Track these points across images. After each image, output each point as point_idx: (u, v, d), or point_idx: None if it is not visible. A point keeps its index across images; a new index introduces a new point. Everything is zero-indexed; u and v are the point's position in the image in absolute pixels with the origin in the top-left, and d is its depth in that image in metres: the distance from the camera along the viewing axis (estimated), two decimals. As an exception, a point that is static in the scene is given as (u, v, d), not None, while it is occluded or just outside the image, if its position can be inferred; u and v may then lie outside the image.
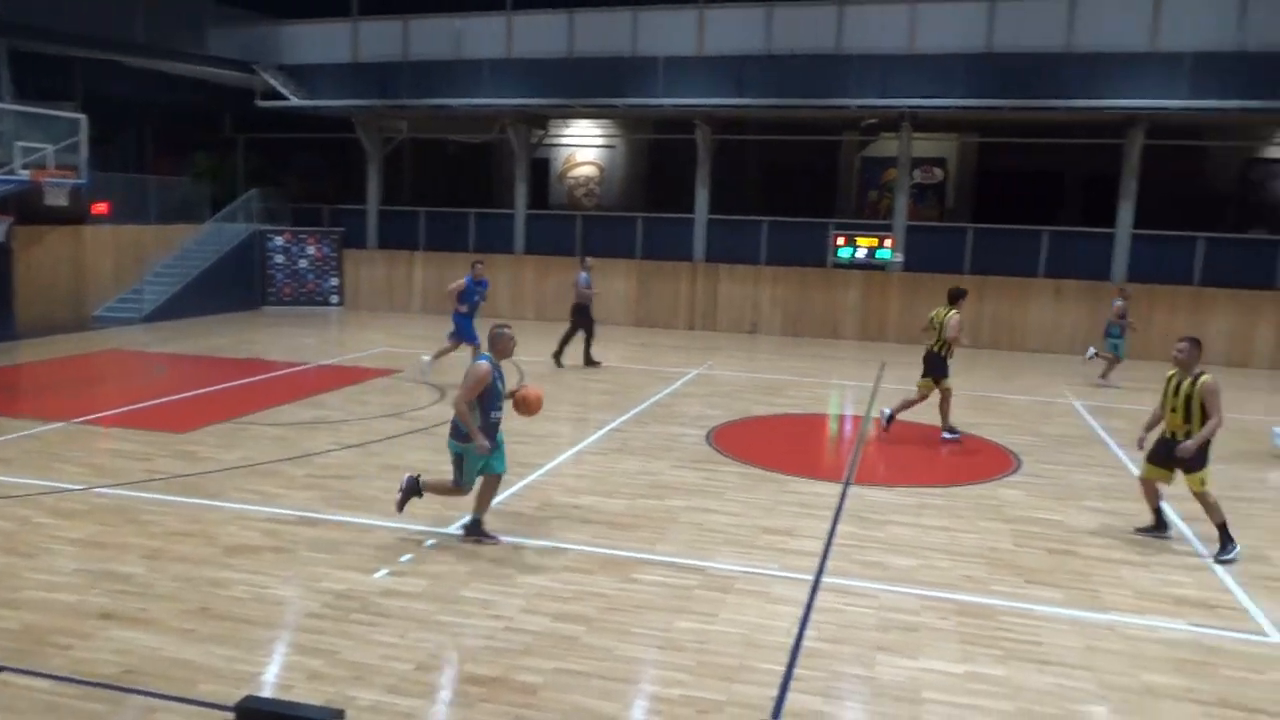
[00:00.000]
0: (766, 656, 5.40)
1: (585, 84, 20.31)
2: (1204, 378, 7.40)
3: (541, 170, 24.89)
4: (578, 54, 20.57)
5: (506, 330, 7.05)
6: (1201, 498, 7.39)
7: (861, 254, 20.12)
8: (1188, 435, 7.37)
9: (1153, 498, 7.79)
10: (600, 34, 20.43)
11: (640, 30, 20.22)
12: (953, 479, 9.39)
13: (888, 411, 11.11)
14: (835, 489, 8.81)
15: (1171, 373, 7.64)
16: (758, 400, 13.09)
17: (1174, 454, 7.40)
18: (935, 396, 10.98)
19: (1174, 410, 7.49)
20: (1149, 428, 7.82)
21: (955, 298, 11.06)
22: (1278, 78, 16.57)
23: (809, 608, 6.10)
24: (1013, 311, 19.38)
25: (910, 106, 18.57)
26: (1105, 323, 15.93)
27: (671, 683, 5.09)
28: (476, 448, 6.73)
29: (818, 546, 7.24)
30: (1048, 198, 22.42)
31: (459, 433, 6.86)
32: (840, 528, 7.72)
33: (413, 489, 7.15)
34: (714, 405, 12.50)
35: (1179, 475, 7.48)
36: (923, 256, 19.85)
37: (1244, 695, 5.19)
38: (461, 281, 13.30)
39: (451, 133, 25.36)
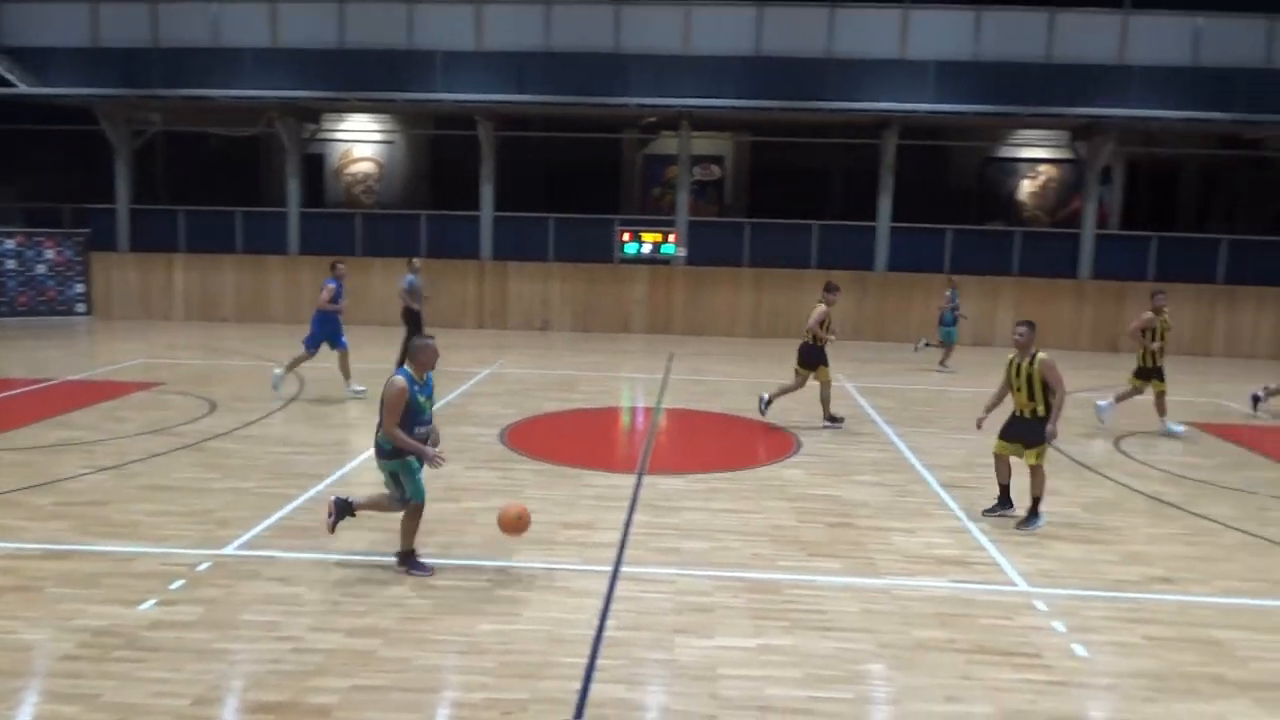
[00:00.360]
0: (570, 650, 5.41)
1: (359, 77, 19.55)
2: (1041, 356, 7.84)
3: (316, 166, 23.70)
4: (350, 45, 19.77)
5: (430, 341, 6.56)
6: (1035, 470, 7.93)
7: (647, 249, 20.63)
8: (1034, 412, 7.86)
9: (1004, 473, 8.20)
10: (374, 25, 19.73)
11: (416, 23, 19.70)
12: (739, 463, 9.80)
13: (765, 396, 11.54)
14: (630, 480, 8.97)
15: (1011, 356, 8.08)
16: (551, 397, 13.11)
17: (1024, 430, 7.91)
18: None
19: (1019, 390, 7.97)
20: (989, 409, 8.36)
21: (827, 290, 11.66)
22: (1008, 85, 18.49)
23: (609, 598, 6.17)
24: (789, 302, 20.48)
25: (687, 106, 19.20)
26: (939, 311, 17.08)
27: (474, 687, 4.99)
28: (429, 462, 6.33)
29: (615, 538, 7.34)
30: (816, 193, 23.88)
31: (385, 451, 6.40)
32: (636, 517, 7.87)
33: (344, 509, 6.66)
34: (507, 404, 12.40)
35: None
36: (705, 250, 20.63)
37: (998, 641, 5.74)
38: (330, 285, 12.53)
39: (212, 126, 23.63)
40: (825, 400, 11.66)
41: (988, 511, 8.25)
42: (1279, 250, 20.46)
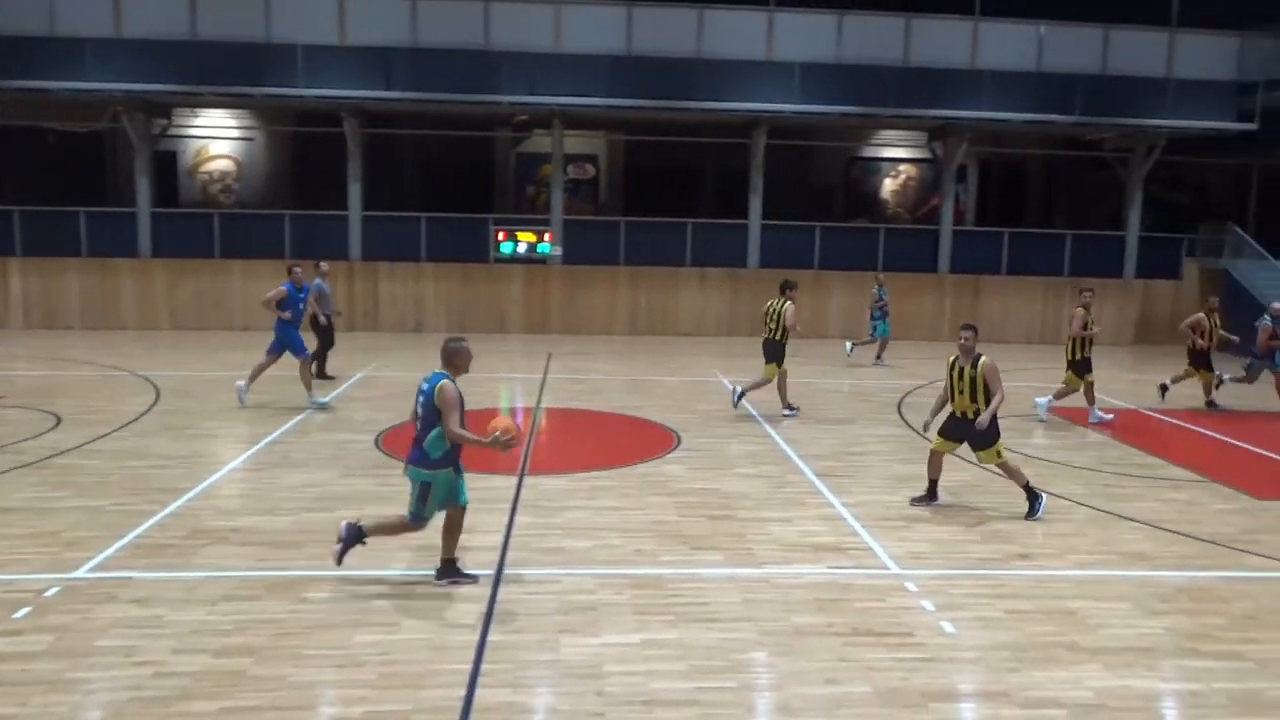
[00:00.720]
0: (453, 658, 5.30)
1: (213, 70, 18.61)
2: (984, 360, 8.10)
3: (168, 164, 22.46)
4: (202, 37, 18.79)
5: (464, 343, 6.34)
6: (1002, 466, 8.21)
7: (523, 249, 20.47)
8: (976, 412, 8.08)
9: (935, 469, 8.47)
10: (228, 16, 18.81)
11: (274, 14, 18.90)
12: (621, 460, 9.83)
13: (739, 390, 12.09)
14: (512, 481, 8.87)
15: (953, 358, 8.29)
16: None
17: (965, 430, 8.16)
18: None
19: (961, 392, 8.20)
20: (935, 412, 8.53)
21: (785, 288, 12.11)
22: (869, 87, 19.20)
23: (492, 602, 6.08)
24: (665, 299, 20.73)
25: (560, 104, 19.14)
26: (869, 309, 17.57)
27: (353, 700, 4.83)
28: (504, 448, 6.13)
29: (498, 540, 7.25)
30: (689, 192, 24.22)
31: (427, 459, 6.13)
32: (519, 519, 7.78)
33: (355, 536, 6.26)
34: (382, 408, 12.06)
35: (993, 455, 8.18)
36: (580, 249, 20.62)
37: (872, 622, 5.95)
38: (281, 289, 11.97)
39: (50, 120, 22.04)
40: (783, 391, 12.23)
41: (915, 500, 8.48)
42: (1117, 244, 22.00)
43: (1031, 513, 8.14)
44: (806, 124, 21.11)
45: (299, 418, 11.34)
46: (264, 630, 5.57)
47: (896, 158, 25.20)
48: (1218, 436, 11.88)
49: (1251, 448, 11.26)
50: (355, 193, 20.15)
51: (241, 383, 11.95)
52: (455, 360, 6.28)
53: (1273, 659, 5.63)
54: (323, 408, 11.92)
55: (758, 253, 20.87)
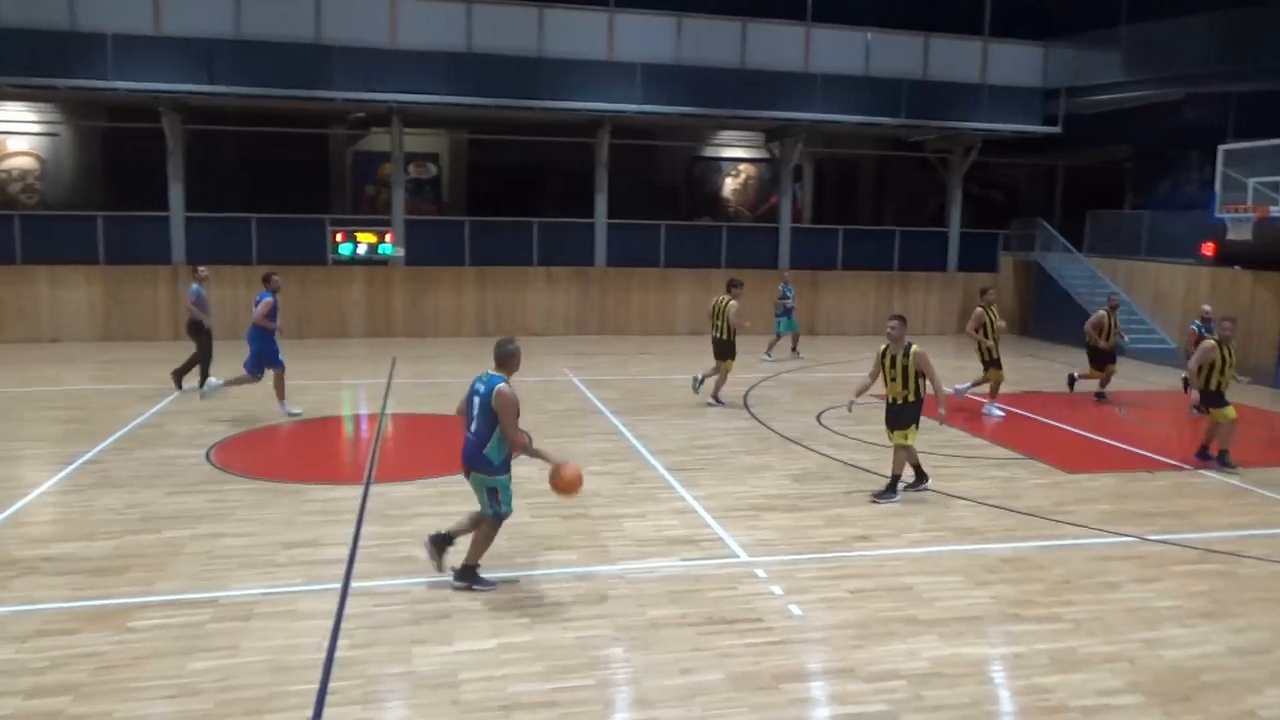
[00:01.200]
0: (298, 678, 5.06)
1: (11, 60, 17.04)
2: (914, 349, 8.43)
3: (-40, 162, 20.46)
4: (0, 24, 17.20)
5: (515, 345, 6.46)
6: (900, 448, 8.56)
7: (363, 250, 19.79)
8: (906, 400, 8.42)
9: (912, 456, 8.72)
10: (28, 2, 17.27)
11: (79, 1, 17.48)
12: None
13: (700, 376, 12.99)
14: (357, 491, 8.56)
15: (884, 347, 8.55)
16: (264, 409, 12.19)
17: (895, 415, 8.53)
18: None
19: (894, 380, 8.48)
20: (859, 394, 8.79)
21: (731, 286, 12.83)
22: (709, 88, 19.61)
23: (340, 617, 5.85)
24: (512, 299, 20.52)
25: (398, 101, 18.61)
26: (775, 305, 17.90)
27: (188, 733, 4.53)
28: (562, 469, 6.20)
29: (344, 553, 6.98)
30: (535, 191, 24.09)
31: (491, 466, 6.19)
32: (366, 529, 7.52)
33: (443, 541, 6.39)
34: (213, 420, 11.39)
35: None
36: (424, 250, 20.13)
37: (725, 610, 6.08)
38: (268, 299, 11.50)
39: None
40: (719, 384, 12.93)
41: (909, 486, 8.75)
42: (940, 240, 23.39)
43: (883, 497, 8.62)
44: (649, 124, 21.38)
45: (119, 433, 10.56)
46: (84, 665, 5.15)
47: (736, 157, 25.90)
48: (1034, 417, 12.81)
49: (1063, 426, 12.21)
50: (176, 193, 18.94)
51: (280, 406, 11.67)
52: (510, 363, 6.38)
53: (1085, 619, 6.12)
54: (295, 417, 11.60)
55: (604, 251, 20.98)
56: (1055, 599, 6.44)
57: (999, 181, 27.22)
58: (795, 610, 6.12)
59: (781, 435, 11.25)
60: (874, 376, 8.77)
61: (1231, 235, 15.39)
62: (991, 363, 12.78)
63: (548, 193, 24.61)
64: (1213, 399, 10.15)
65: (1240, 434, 10.43)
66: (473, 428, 6.28)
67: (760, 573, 6.79)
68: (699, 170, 26.01)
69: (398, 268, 19.94)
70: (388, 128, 19.82)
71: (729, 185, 26.13)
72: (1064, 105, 21.05)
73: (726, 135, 24.95)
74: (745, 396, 13.68)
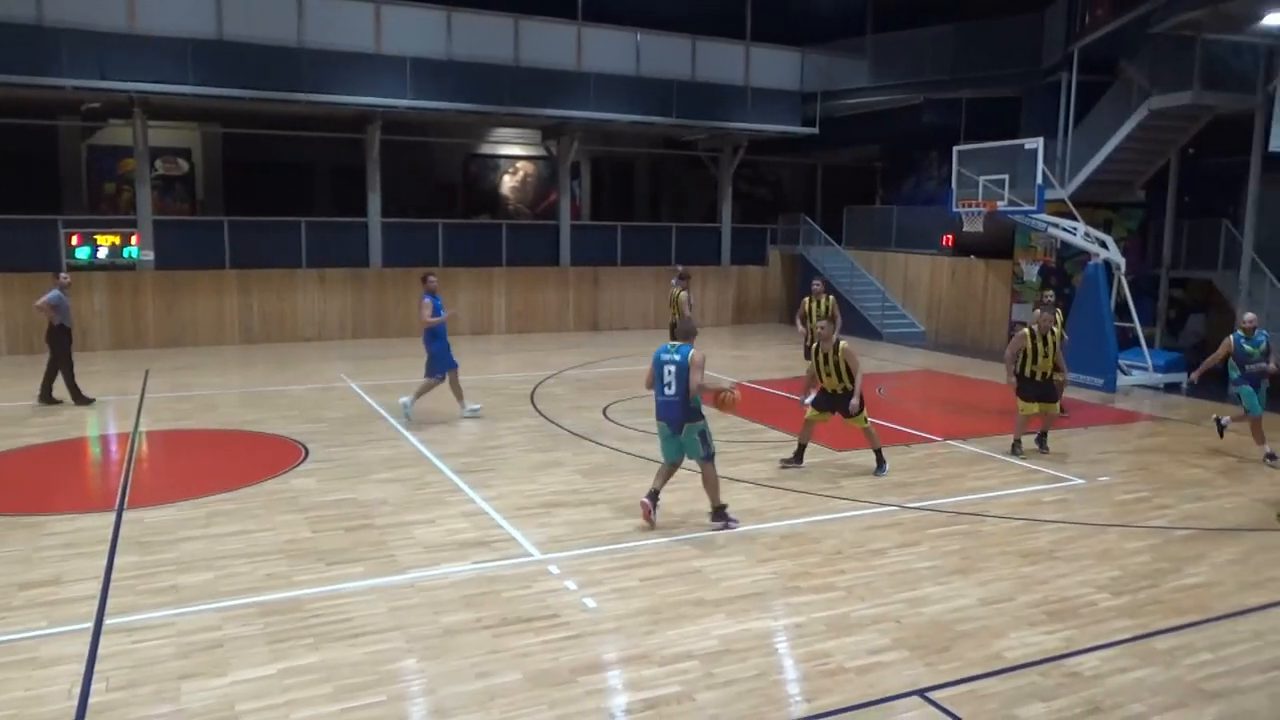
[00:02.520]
0: (42, 732, 4.51)
1: None
2: (843, 345, 9.52)
3: None
4: None
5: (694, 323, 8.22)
6: (865, 431, 9.61)
7: (104, 253, 17.97)
8: (844, 390, 9.50)
9: (807, 435, 9.75)
10: None
11: None
12: (242, 480, 9.02)
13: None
14: (107, 519, 7.76)
15: (816, 346, 9.75)
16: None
17: (836, 402, 9.59)
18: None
19: (829, 374, 9.57)
20: (806, 388, 9.96)
21: (681, 278, 14.05)
22: (483, 85, 19.32)
23: (92, 659, 5.28)
24: (281, 303, 19.38)
25: (139, 91, 17.02)
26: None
27: (-96, 812, 3.93)
28: (727, 397, 7.79)
29: (94, 588, 6.30)
30: (301, 189, 22.85)
31: (696, 413, 7.63)
32: (120, 560, 6.83)
33: (655, 498, 7.80)
34: (-74, 450, 9.97)
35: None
36: (178, 253, 18.57)
37: (520, 610, 6.03)
38: (427, 301, 11.80)
39: None
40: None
41: (785, 462, 9.74)
42: (714, 235, 24.37)
43: (879, 472, 9.54)
44: (422, 120, 20.83)
45: None
46: None
47: (514, 155, 25.78)
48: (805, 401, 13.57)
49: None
50: None
51: (470, 405, 12.04)
52: (694, 334, 7.87)
53: (856, 585, 6.57)
54: (475, 414, 11.95)
55: (380, 251, 20.24)
56: (830, 569, 6.87)
57: (765, 179, 28.74)
58: (590, 603, 6.17)
59: (570, 431, 11.31)
60: (810, 374, 9.86)
61: (966, 228, 16.99)
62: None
63: (316, 190, 23.42)
64: (1022, 386, 10.55)
65: (979, 404, 11.58)
66: (670, 391, 7.63)
67: (554, 569, 6.78)
68: (476, 167, 25.67)
69: (147, 272, 18.28)
70: (129, 120, 18.12)
71: (507, 182, 25.98)
72: (820, 108, 22.50)
73: (503, 132, 24.77)
74: (532, 394, 13.64)
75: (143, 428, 11.30)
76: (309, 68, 17.91)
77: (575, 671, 5.23)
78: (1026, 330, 10.58)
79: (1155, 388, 15.03)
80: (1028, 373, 10.51)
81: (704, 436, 7.71)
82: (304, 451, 10.12)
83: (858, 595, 6.40)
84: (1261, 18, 12.51)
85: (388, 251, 20.32)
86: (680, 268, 16.41)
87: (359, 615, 5.93)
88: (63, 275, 13.14)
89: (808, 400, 10.02)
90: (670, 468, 7.92)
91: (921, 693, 5.08)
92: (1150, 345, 15.98)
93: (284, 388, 14.02)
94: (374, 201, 20.08)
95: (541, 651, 5.46)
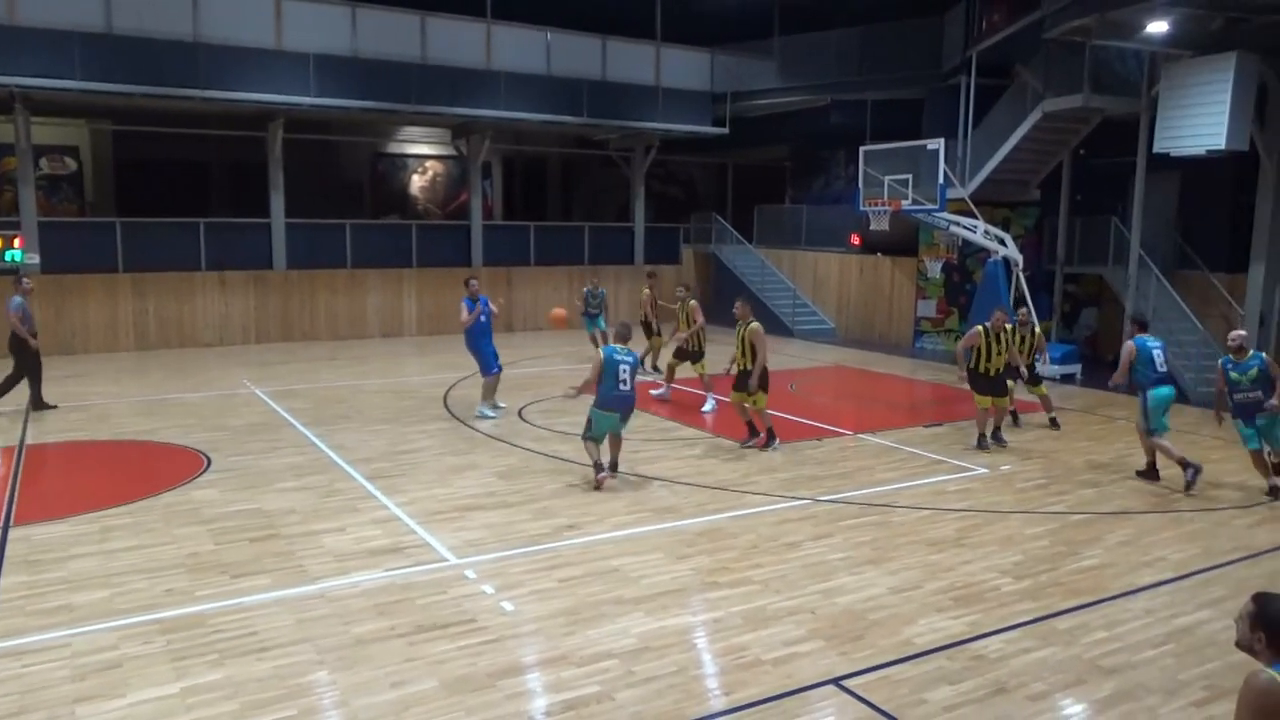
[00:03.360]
0: (-81, 767, 4.24)
1: None
2: (752, 325, 10.17)
3: None
4: None
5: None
6: (755, 411, 10.28)
7: (-15, 257, 17.00)
8: (745, 369, 10.14)
9: (743, 413, 10.42)
10: None
11: None
12: (139, 493, 8.63)
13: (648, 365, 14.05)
14: (-8, 536, 7.34)
15: (739, 325, 10.29)
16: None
17: (740, 381, 10.22)
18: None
19: (743, 353, 10.17)
20: (731, 362, 10.53)
21: (649, 276, 15.46)
22: (389, 83, 18.93)
23: (-26, 686, 4.98)
24: (179, 308, 18.64)
25: (20, 86, 16.13)
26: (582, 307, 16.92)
27: None
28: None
29: (-23, 610, 5.95)
30: (198, 189, 22.03)
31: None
32: (6, 580, 6.47)
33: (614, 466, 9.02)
34: None
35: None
36: (66, 256, 17.67)
37: (435, 616, 5.92)
38: (464, 305, 12.08)
39: None
40: (655, 361, 14.73)
41: (744, 444, 10.45)
42: (627, 234, 24.41)
43: (769, 446, 10.34)
44: (327, 118, 20.30)
45: None
46: None
47: (423, 154, 25.35)
48: (720, 398, 13.71)
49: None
50: None
51: (479, 405, 12.13)
52: (629, 337, 9.18)
53: (772, 578, 6.65)
54: (497, 414, 12.04)
55: (284, 253, 19.65)
56: (746, 563, 6.94)
57: (677, 178, 28.91)
58: (508, 606, 6.10)
59: (485, 434, 11.17)
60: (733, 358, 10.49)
61: (873, 226, 17.43)
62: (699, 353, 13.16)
63: (215, 191, 22.61)
64: (974, 381, 10.74)
65: (888, 398, 11.86)
66: (626, 387, 8.81)
67: (470, 573, 6.69)
68: (384, 167, 25.17)
69: (32, 275, 17.33)
70: (10, 115, 17.17)
71: (417, 182, 25.54)
72: (730, 108, 22.75)
73: (412, 131, 24.33)
74: (445, 397, 13.44)
75: (29, 440, 10.72)
76: (206, 63, 17.27)
77: (493, 676, 5.17)
78: (981, 328, 10.76)
79: (1052, 379, 15.63)
80: (981, 369, 10.71)
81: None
82: (205, 461, 9.75)
83: (774, 588, 6.48)
84: (1145, 26, 13.13)
85: (292, 253, 19.75)
86: (649, 268, 17.14)
87: (265, 628, 5.73)
88: (25, 280, 12.67)
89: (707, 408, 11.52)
90: (598, 446, 8.96)
91: (836, 681, 5.17)
92: (1047, 338, 16.64)
93: (183, 395, 13.49)
94: (277, 202, 19.49)
95: (458, 657, 5.37)
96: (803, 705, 4.93)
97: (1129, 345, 9.32)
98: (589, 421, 9.03)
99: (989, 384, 10.73)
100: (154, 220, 18.88)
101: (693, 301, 13.39)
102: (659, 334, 15.87)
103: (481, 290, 12.64)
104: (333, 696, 4.96)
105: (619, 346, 9.04)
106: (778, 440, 10.52)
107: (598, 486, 8.79)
